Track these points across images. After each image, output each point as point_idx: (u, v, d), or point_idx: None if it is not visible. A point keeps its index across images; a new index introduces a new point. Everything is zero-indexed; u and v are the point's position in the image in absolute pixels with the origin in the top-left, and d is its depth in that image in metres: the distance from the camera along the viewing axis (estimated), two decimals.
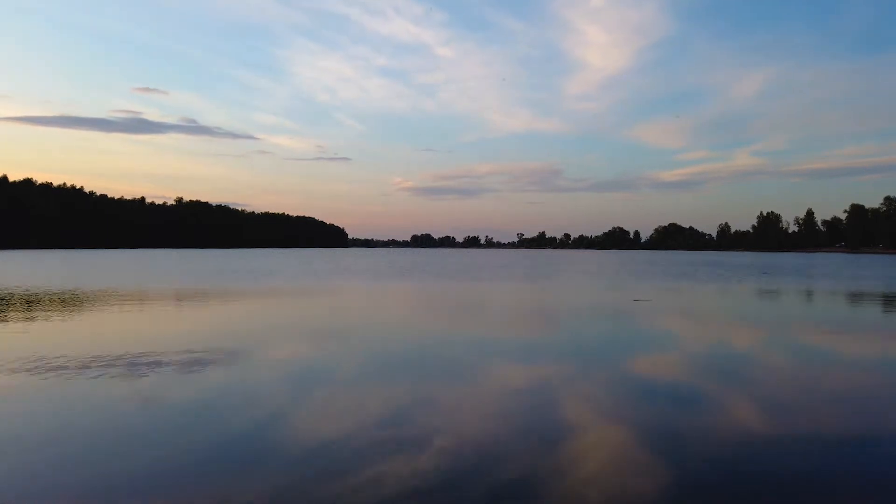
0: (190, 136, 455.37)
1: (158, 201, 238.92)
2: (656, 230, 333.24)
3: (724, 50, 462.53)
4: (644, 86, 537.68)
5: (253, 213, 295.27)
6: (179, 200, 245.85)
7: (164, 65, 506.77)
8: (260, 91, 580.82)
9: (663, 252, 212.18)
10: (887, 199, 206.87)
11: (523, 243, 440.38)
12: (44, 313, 17.42)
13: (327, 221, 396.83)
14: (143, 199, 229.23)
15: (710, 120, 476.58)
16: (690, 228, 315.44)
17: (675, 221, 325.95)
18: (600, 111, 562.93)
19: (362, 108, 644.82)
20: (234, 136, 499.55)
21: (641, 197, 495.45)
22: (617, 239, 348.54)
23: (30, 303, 20.26)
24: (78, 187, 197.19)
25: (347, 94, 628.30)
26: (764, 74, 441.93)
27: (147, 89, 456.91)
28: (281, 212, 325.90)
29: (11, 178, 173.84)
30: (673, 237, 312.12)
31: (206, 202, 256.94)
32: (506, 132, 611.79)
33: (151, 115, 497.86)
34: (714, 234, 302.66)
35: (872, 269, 57.28)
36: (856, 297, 26.89)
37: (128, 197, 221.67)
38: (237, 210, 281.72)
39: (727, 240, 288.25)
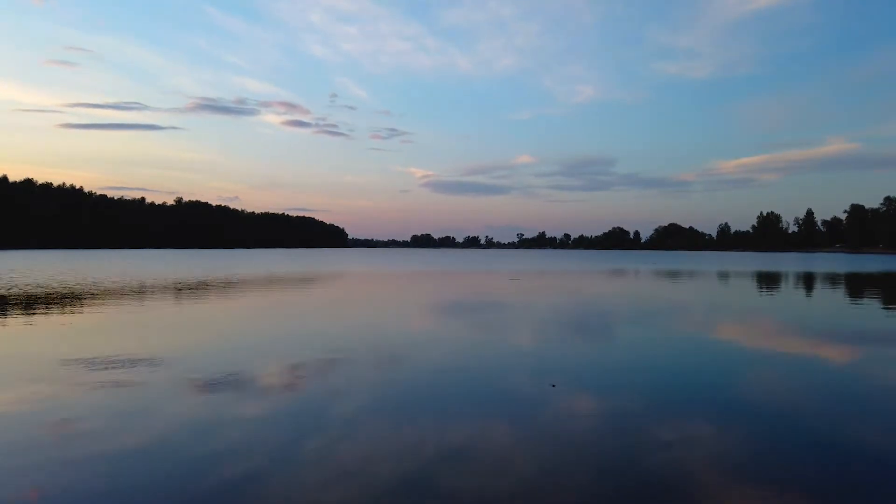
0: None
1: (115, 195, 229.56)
2: (656, 230, 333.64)
3: None
4: (787, 33, 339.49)
5: (253, 213, 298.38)
6: (179, 200, 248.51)
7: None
8: (234, 40, 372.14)
9: (648, 252, 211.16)
10: (887, 198, 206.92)
11: (523, 243, 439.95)
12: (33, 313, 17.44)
13: (327, 221, 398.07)
14: (143, 199, 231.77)
15: (848, 86, 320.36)
16: (690, 229, 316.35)
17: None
18: (702, 75, 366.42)
19: (371, 68, 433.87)
20: (210, 108, 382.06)
21: (684, 195, 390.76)
22: (616, 239, 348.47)
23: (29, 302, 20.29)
24: (78, 187, 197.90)
25: (350, 45, 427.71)
26: None
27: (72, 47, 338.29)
28: (281, 212, 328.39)
29: (11, 178, 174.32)
30: (672, 237, 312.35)
31: (206, 202, 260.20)
32: (564, 107, 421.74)
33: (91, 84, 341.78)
34: (714, 234, 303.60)
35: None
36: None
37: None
38: (237, 210, 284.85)
39: (727, 240, 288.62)
